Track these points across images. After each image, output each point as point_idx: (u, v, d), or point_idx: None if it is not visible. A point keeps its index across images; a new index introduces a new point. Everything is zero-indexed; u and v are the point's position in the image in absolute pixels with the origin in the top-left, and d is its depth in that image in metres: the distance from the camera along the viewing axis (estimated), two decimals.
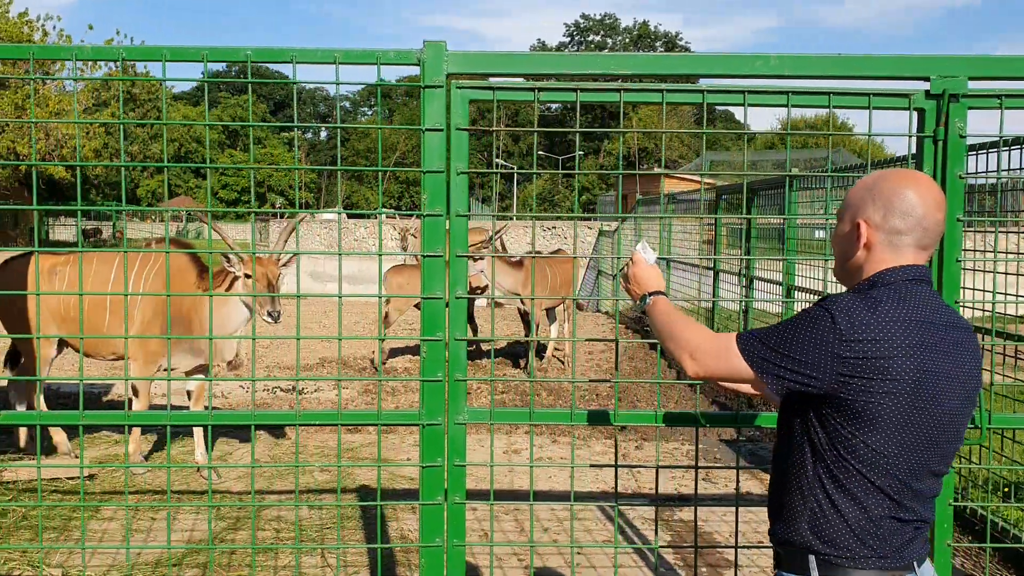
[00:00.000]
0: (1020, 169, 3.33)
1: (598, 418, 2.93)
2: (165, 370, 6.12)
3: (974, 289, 4.81)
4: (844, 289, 2.13)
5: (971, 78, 2.82)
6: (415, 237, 11.46)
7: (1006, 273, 4.13)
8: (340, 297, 2.86)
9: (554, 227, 23.45)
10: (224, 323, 6.09)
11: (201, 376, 6.44)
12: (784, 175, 8.51)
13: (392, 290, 10.89)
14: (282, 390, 9.49)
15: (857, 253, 2.07)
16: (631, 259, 2.52)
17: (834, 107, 2.85)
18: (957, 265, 2.87)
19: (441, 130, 2.78)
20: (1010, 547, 3.77)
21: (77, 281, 6.06)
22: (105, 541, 5.13)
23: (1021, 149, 3.91)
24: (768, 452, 7.24)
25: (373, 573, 4.76)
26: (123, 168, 2.81)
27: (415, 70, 2.80)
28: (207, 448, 6.27)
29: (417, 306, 11.58)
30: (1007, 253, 4.22)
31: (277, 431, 7.58)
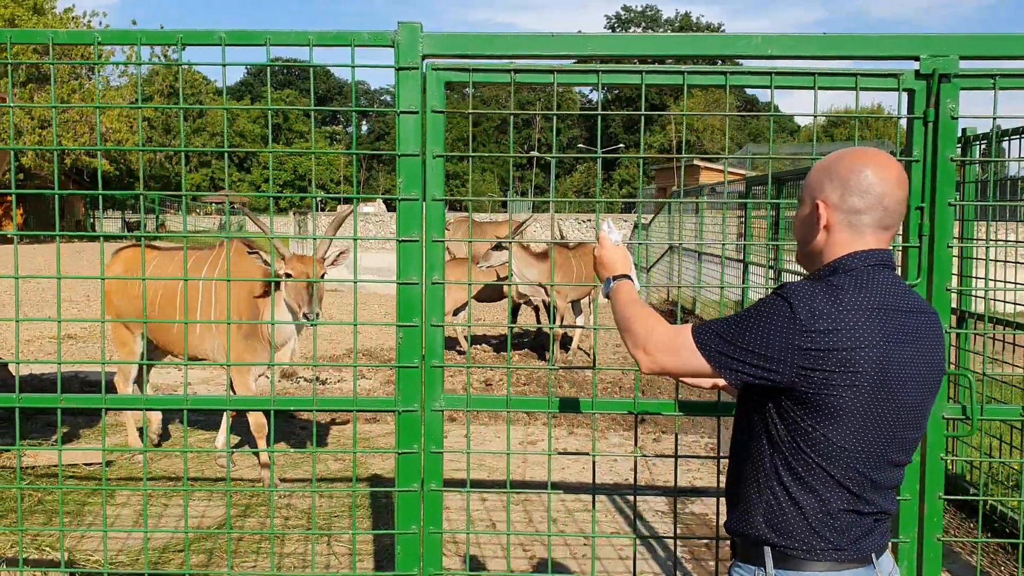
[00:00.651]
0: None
1: (570, 406, 2.88)
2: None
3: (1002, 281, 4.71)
4: (805, 274, 2.07)
5: (963, 57, 2.72)
6: (447, 229, 11.44)
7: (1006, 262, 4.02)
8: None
9: (589, 220, 23.35)
10: (275, 332, 5.72)
11: (208, 361, 6.45)
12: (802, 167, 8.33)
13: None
14: (306, 380, 9.57)
15: (817, 236, 2.00)
16: (597, 238, 2.42)
17: (820, 88, 2.76)
18: (948, 252, 2.78)
19: (416, 112, 2.75)
20: (1003, 541, 3.66)
21: (166, 276, 6.11)
22: (117, 526, 5.20)
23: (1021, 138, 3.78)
24: None
25: (378, 561, 4.77)
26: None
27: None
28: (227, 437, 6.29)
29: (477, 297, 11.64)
30: (1006, 242, 4.08)
31: (291, 422, 7.63)
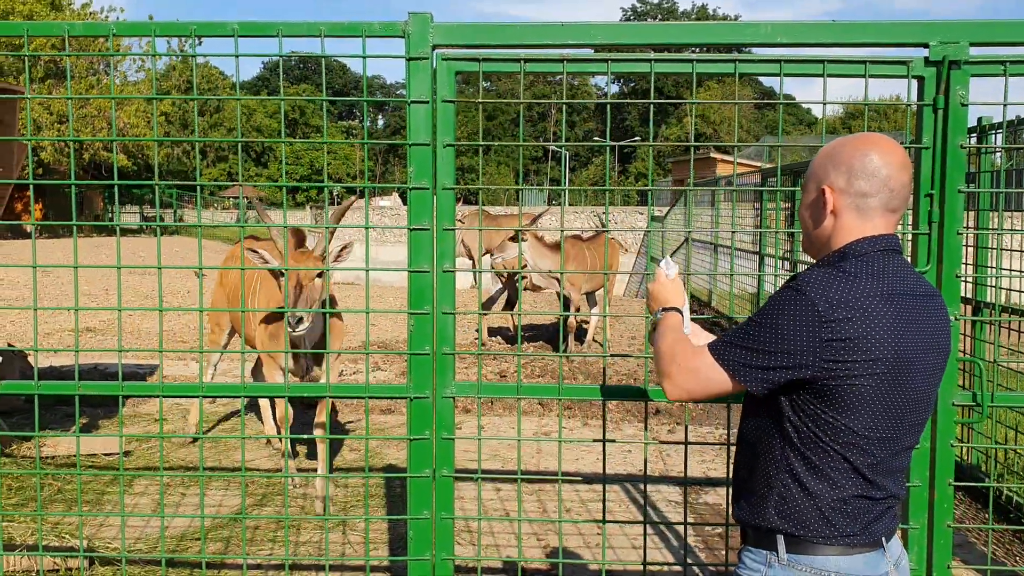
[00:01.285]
0: None
1: (581, 393, 2.91)
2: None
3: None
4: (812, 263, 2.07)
5: (973, 44, 2.72)
6: (461, 222, 11.49)
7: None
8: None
9: (604, 212, 23.32)
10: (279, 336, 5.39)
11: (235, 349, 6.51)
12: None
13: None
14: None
15: (824, 222, 2.00)
16: (655, 275, 2.39)
17: (829, 75, 2.77)
18: (958, 239, 2.77)
19: (427, 102, 2.77)
20: (1014, 528, 3.65)
21: (240, 274, 5.87)
22: (135, 515, 5.26)
23: None
24: None
25: (393, 549, 4.81)
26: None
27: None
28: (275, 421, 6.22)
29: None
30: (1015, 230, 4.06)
31: (308, 413, 7.69)
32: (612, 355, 2.91)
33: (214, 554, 4.70)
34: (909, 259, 2.85)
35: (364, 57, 2.76)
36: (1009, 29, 2.73)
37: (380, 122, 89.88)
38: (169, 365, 9.78)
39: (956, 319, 2.76)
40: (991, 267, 5.37)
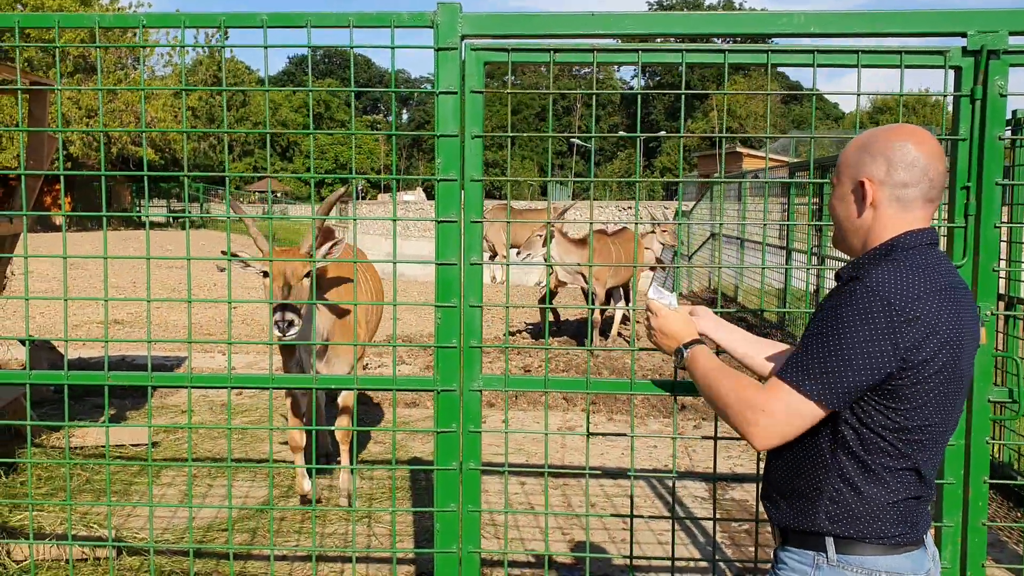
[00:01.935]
0: None
1: (608, 387, 2.89)
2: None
3: None
4: (846, 257, 2.03)
5: (1013, 33, 2.66)
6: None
7: None
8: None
9: (629, 207, 23.25)
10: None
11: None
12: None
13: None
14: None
15: (863, 215, 1.97)
16: (648, 309, 2.24)
17: (863, 66, 2.72)
18: (995, 232, 2.72)
19: (455, 93, 2.75)
20: None
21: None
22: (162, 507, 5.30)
23: None
24: None
25: (418, 542, 4.81)
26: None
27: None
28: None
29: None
30: None
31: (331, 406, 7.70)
32: (640, 349, 2.88)
33: (241, 545, 4.72)
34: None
35: (392, 48, 2.75)
36: None
37: (404, 116, 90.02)
38: (196, 357, 9.85)
39: (992, 314, 2.71)
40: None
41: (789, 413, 1.85)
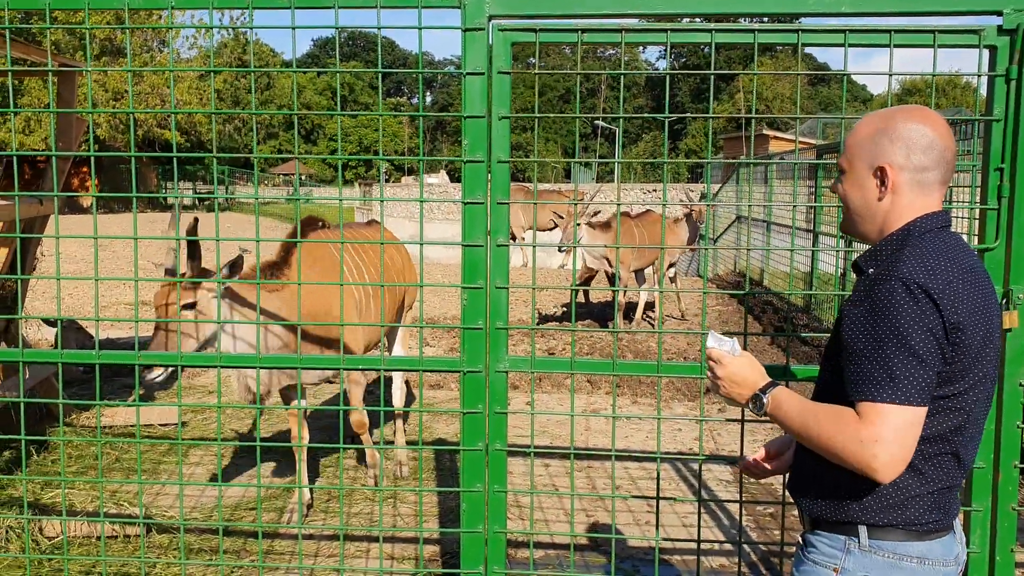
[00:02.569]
0: None
1: (634, 369, 2.88)
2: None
3: None
4: (855, 242, 2.01)
5: None
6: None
7: None
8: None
9: (655, 189, 23.13)
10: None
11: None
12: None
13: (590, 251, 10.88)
14: None
15: (881, 200, 1.94)
16: (709, 359, 2.10)
17: (896, 45, 2.68)
18: None
19: (482, 74, 2.74)
20: None
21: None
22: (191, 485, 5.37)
23: None
24: None
25: (442, 522, 4.84)
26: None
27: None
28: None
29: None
30: None
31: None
32: (665, 331, 2.87)
33: (269, 523, 4.77)
34: (976, 236, 2.78)
35: (420, 28, 2.74)
36: None
37: (428, 98, 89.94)
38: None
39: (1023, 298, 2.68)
40: None
41: (898, 431, 1.75)
